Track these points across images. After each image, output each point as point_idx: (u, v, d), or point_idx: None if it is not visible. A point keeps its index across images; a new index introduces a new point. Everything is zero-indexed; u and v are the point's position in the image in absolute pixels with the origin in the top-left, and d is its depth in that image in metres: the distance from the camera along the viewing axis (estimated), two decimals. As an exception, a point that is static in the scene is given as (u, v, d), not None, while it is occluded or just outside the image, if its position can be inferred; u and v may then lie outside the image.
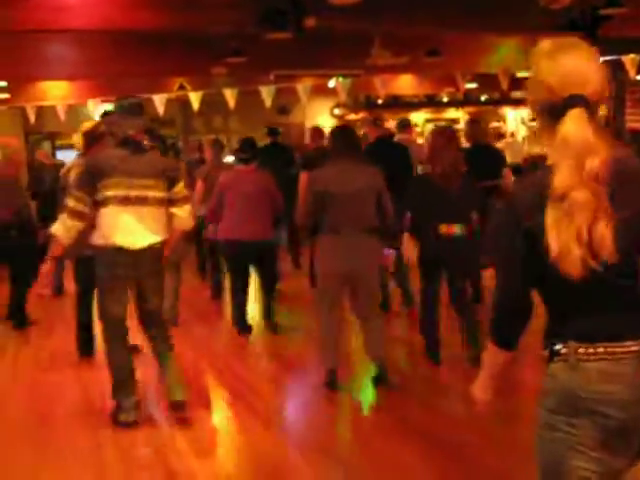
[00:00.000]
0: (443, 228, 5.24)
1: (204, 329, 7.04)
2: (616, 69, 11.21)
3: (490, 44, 10.22)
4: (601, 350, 1.83)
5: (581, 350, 1.84)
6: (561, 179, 1.73)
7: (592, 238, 1.73)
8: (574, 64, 1.84)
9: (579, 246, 1.74)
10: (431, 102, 16.64)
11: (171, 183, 4.45)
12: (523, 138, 16.94)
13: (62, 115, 11.01)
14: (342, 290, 5.09)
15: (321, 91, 12.54)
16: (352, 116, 16.35)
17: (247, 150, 6.58)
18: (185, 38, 8.49)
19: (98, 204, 4.30)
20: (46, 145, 14.49)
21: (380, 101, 15.94)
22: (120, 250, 4.32)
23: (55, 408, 5.06)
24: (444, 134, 5.55)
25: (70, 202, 4.27)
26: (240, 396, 5.23)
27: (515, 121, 17.60)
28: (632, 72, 10.32)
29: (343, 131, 5.30)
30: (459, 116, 17.14)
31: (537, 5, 6.46)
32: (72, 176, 5.43)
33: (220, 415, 4.98)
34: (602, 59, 6.95)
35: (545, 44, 1.90)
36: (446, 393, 5.18)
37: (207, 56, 9.07)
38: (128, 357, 4.64)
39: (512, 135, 16.58)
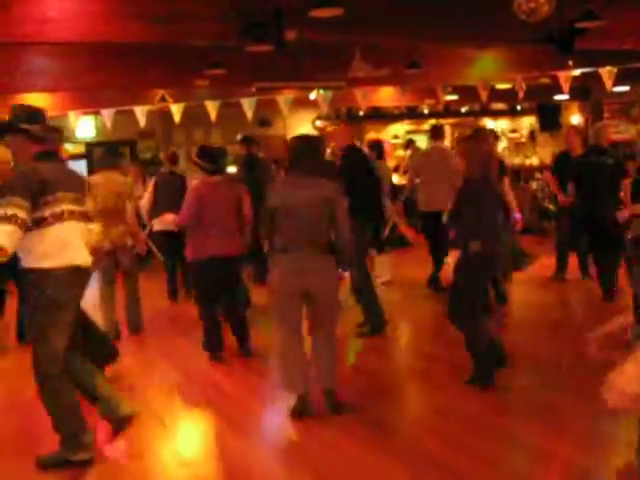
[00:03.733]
0: None
1: (185, 340, 7.05)
2: (593, 81, 11.37)
3: (469, 57, 10.31)
4: None
5: None
6: None
7: None
8: None
9: None
10: (412, 114, 16.80)
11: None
12: (503, 149, 17.11)
13: (43, 127, 10.97)
14: (300, 310, 4.83)
15: (302, 103, 12.62)
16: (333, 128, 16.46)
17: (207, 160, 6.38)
18: (167, 50, 8.51)
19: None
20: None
21: (361, 113, 16.06)
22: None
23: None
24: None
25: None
26: (215, 403, 5.25)
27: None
28: (609, 84, 10.45)
29: (301, 141, 5.02)
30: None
31: (515, 18, 6.53)
32: None
33: (196, 422, 4.98)
34: (579, 71, 7.12)
35: None
36: (435, 407, 5.22)
37: (189, 68, 9.09)
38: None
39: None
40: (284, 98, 11.45)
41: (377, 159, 9.15)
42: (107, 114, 11.20)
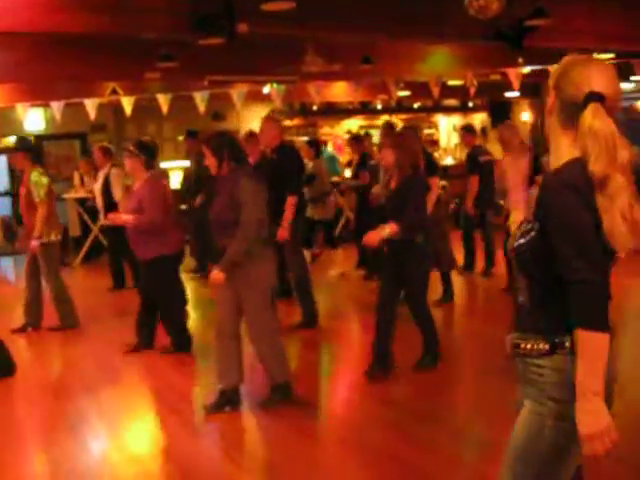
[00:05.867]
0: None
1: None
2: (543, 79, 11.52)
3: (421, 53, 10.37)
4: None
5: None
6: (600, 165, 1.95)
7: (631, 219, 1.95)
8: (600, 68, 2.11)
9: (624, 223, 1.94)
10: (365, 109, 16.84)
11: None
12: (455, 145, 17.27)
13: (-10, 119, 10.75)
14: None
15: (256, 97, 12.56)
16: (287, 122, 16.40)
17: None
18: (117, 42, 8.37)
19: None
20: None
21: (315, 108, 16.04)
22: None
23: None
24: None
25: None
26: (166, 401, 5.21)
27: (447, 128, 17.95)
28: (558, 81, 10.59)
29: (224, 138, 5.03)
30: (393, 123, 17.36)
31: (466, 15, 6.57)
32: None
33: (146, 420, 4.94)
34: (529, 68, 7.26)
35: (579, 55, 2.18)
36: (384, 400, 5.25)
37: (140, 61, 8.96)
38: None
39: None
40: (237, 92, 11.37)
41: (315, 157, 9.28)
42: (57, 106, 10.99)
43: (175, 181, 11.76)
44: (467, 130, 9.62)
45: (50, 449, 4.48)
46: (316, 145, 9.81)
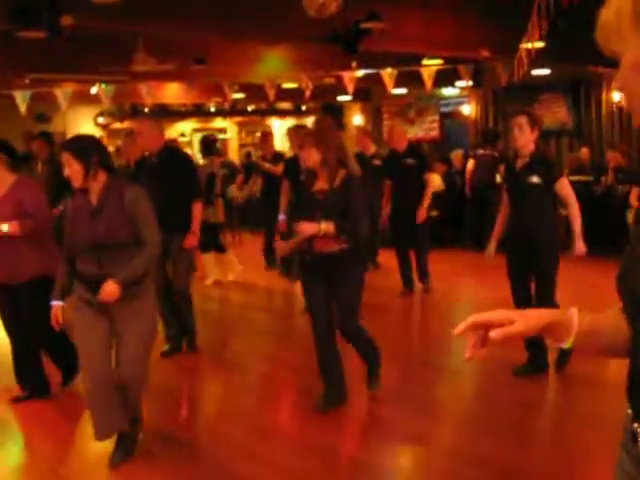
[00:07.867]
0: None
1: None
2: (373, 83, 11.76)
3: (256, 54, 10.25)
4: None
5: None
6: None
7: None
8: None
9: None
10: (199, 111, 16.58)
11: None
12: (288, 148, 17.32)
13: None
14: None
15: (83, 98, 11.95)
16: (117, 125, 15.81)
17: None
18: None
19: None
20: None
21: (147, 109, 15.56)
22: None
23: None
24: None
25: None
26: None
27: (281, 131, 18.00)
28: (389, 86, 10.82)
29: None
30: (226, 126, 17.24)
31: (302, 16, 6.51)
32: None
33: None
34: (363, 72, 7.20)
35: None
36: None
37: (-48, 55, 8.25)
38: None
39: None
40: (62, 91, 10.74)
41: (208, 155, 9.06)
42: None
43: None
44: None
45: None
46: (208, 143, 9.56)
